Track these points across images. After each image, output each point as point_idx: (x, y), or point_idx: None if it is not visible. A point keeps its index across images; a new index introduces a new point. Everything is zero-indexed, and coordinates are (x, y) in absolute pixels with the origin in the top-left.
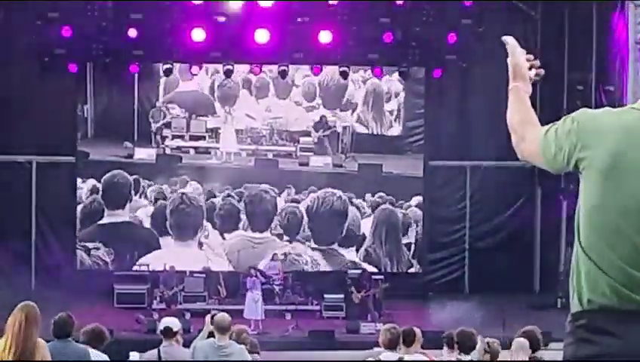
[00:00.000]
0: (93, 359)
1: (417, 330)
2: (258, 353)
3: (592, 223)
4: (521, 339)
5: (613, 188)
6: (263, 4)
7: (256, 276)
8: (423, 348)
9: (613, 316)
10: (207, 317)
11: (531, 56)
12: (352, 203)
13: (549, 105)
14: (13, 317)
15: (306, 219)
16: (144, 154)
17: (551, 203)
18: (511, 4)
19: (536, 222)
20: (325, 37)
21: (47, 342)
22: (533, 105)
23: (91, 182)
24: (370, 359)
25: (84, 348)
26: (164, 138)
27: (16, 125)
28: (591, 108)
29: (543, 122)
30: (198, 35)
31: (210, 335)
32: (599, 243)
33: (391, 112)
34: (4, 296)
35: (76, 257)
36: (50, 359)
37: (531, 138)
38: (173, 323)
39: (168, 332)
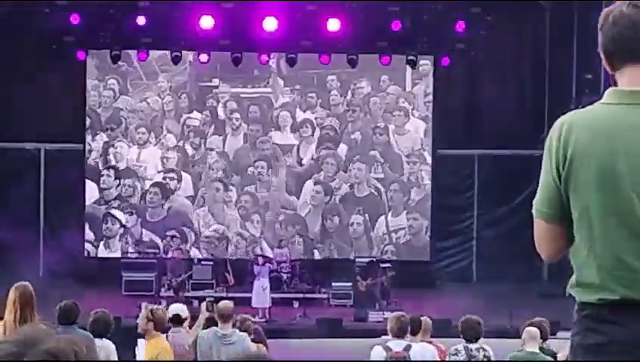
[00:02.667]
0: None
1: (426, 319)
2: (264, 341)
3: (584, 218)
4: (533, 329)
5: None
6: None
7: (263, 264)
8: (430, 336)
9: (618, 306)
10: (203, 305)
11: None
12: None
13: (559, 93)
14: (8, 298)
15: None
16: None
17: None
18: None
19: None
20: (334, 25)
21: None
22: (542, 95)
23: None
24: (378, 347)
25: (88, 335)
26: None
27: (25, 113)
28: (600, 97)
29: (553, 114)
30: (207, 22)
31: (211, 323)
32: (592, 234)
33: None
34: (11, 283)
35: (84, 244)
36: None
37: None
38: (182, 309)
39: (177, 319)
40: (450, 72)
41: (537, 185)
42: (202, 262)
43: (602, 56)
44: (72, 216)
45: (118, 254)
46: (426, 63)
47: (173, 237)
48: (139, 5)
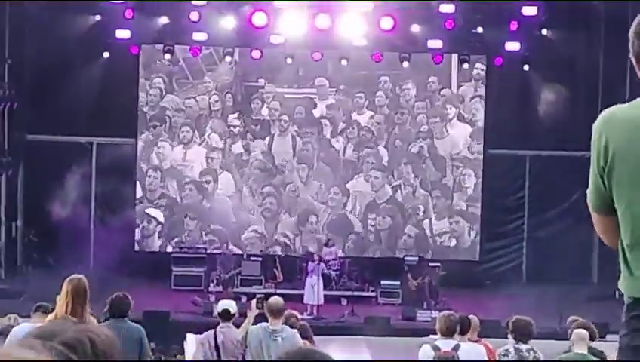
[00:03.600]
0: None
1: (474, 318)
2: (310, 337)
3: (627, 212)
4: (582, 330)
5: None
6: None
7: (318, 262)
8: (479, 336)
9: None
10: (252, 302)
11: None
12: None
13: (612, 94)
14: (62, 291)
15: None
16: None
17: None
18: None
19: None
20: (387, 23)
21: (107, 320)
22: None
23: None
24: (427, 346)
25: (139, 327)
26: None
27: (77, 106)
28: None
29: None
30: (259, 19)
31: (260, 319)
32: (636, 230)
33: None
34: (62, 276)
35: (135, 239)
36: None
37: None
38: (231, 305)
39: (226, 315)
40: (503, 72)
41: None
42: (251, 258)
43: (634, 60)
44: (122, 210)
45: (168, 249)
46: (478, 63)
47: (211, 241)
48: (192, 2)
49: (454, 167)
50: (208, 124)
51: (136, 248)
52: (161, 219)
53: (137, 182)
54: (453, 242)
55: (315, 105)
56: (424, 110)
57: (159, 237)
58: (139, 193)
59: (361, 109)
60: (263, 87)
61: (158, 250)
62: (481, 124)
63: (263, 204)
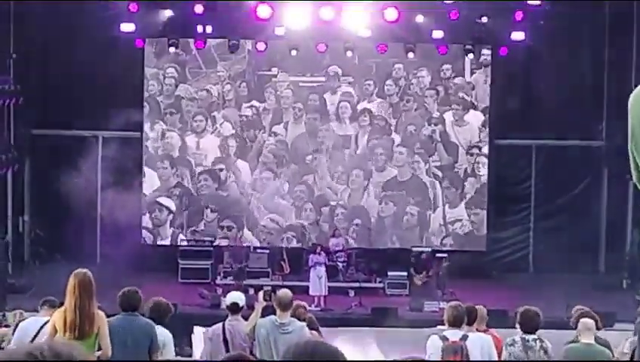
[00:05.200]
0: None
1: (482, 308)
2: (317, 329)
3: None
4: (588, 320)
5: None
6: None
7: (319, 253)
8: (487, 326)
9: None
10: (260, 294)
11: None
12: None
13: (617, 83)
14: (68, 285)
15: None
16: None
17: (617, 182)
18: None
19: (602, 202)
20: (391, 14)
21: (114, 315)
22: (601, 85)
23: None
24: (434, 336)
25: (150, 323)
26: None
27: (83, 100)
28: None
29: (611, 105)
30: (264, 11)
31: (267, 311)
32: None
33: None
34: (69, 270)
35: (141, 232)
36: (107, 331)
37: None
38: (240, 298)
39: (235, 307)
40: (508, 62)
41: (595, 176)
42: (258, 251)
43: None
44: (129, 204)
45: (180, 237)
46: (485, 53)
47: (229, 227)
48: None
49: (468, 155)
50: (221, 113)
51: (145, 238)
52: (173, 208)
53: (154, 173)
54: (466, 229)
55: (328, 93)
56: (436, 97)
57: (170, 226)
58: (156, 183)
59: (372, 97)
60: (275, 76)
61: (169, 238)
62: (488, 108)
63: (279, 192)
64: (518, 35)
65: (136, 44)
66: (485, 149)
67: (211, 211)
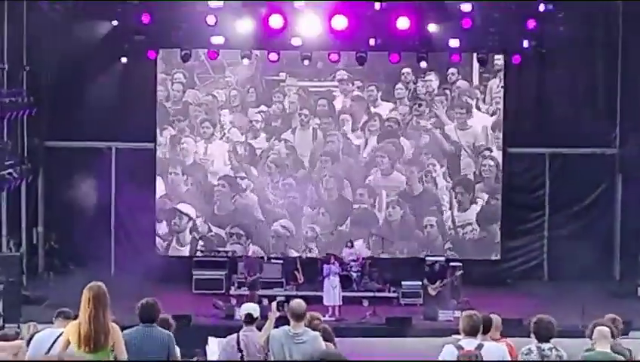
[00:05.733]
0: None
1: (496, 317)
2: (332, 340)
3: None
4: (604, 328)
5: None
6: None
7: (333, 263)
8: (501, 335)
9: None
10: (273, 305)
11: None
12: None
13: (631, 91)
14: (82, 297)
15: None
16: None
17: (631, 190)
18: None
19: (616, 210)
20: (403, 23)
21: (130, 326)
22: (614, 93)
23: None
24: (449, 345)
25: (167, 333)
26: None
27: (96, 111)
28: None
29: (625, 113)
30: (276, 21)
31: (281, 322)
32: None
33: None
34: (84, 281)
35: (155, 243)
36: (123, 343)
37: None
38: (254, 309)
39: (249, 319)
40: (522, 70)
41: (609, 184)
42: (272, 261)
43: None
44: (143, 215)
45: (188, 249)
46: (498, 59)
47: (238, 234)
48: (209, 4)
49: (476, 158)
50: (229, 119)
51: (159, 247)
52: (193, 215)
53: (163, 180)
54: (476, 234)
55: (337, 98)
56: (445, 101)
57: (190, 233)
58: (162, 190)
59: (380, 102)
60: (284, 81)
61: (189, 245)
62: (501, 115)
63: (287, 198)
64: (531, 43)
65: (149, 56)
66: (495, 153)
67: (222, 216)
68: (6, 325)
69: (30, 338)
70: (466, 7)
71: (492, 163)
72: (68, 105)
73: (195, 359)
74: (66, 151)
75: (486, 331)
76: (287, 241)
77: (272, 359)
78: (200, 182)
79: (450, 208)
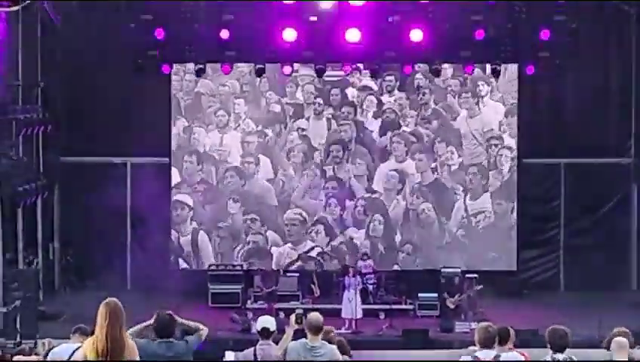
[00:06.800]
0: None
1: (510, 329)
2: (347, 353)
3: None
4: (622, 339)
5: None
6: (354, 3)
7: (354, 275)
8: (515, 346)
9: None
10: (292, 318)
11: None
12: None
13: None
14: (98, 313)
15: None
16: None
17: None
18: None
19: (632, 220)
20: (416, 35)
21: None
22: (629, 103)
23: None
24: (466, 357)
25: (187, 346)
26: None
27: (111, 126)
28: None
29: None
30: (290, 34)
31: (298, 335)
32: None
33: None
34: (100, 297)
35: (171, 258)
36: (138, 358)
37: None
38: (271, 322)
39: (266, 332)
40: (535, 81)
41: (624, 194)
42: (288, 274)
43: None
44: (158, 230)
45: (190, 239)
46: (512, 70)
47: (252, 220)
48: (223, 19)
49: (489, 146)
50: (243, 109)
51: (173, 265)
52: (191, 203)
53: (174, 169)
54: (490, 221)
55: (350, 87)
56: (457, 88)
57: (191, 222)
58: (176, 180)
59: (393, 91)
60: (297, 71)
61: (190, 234)
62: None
63: (303, 187)
64: (544, 54)
65: (163, 71)
66: (508, 141)
67: (234, 201)
68: (23, 341)
69: (46, 354)
70: (479, 18)
71: (507, 152)
72: (83, 121)
73: None
74: (82, 167)
75: (504, 342)
76: (300, 226)
77: None
78: (215, 172)
79: (465, 196)
